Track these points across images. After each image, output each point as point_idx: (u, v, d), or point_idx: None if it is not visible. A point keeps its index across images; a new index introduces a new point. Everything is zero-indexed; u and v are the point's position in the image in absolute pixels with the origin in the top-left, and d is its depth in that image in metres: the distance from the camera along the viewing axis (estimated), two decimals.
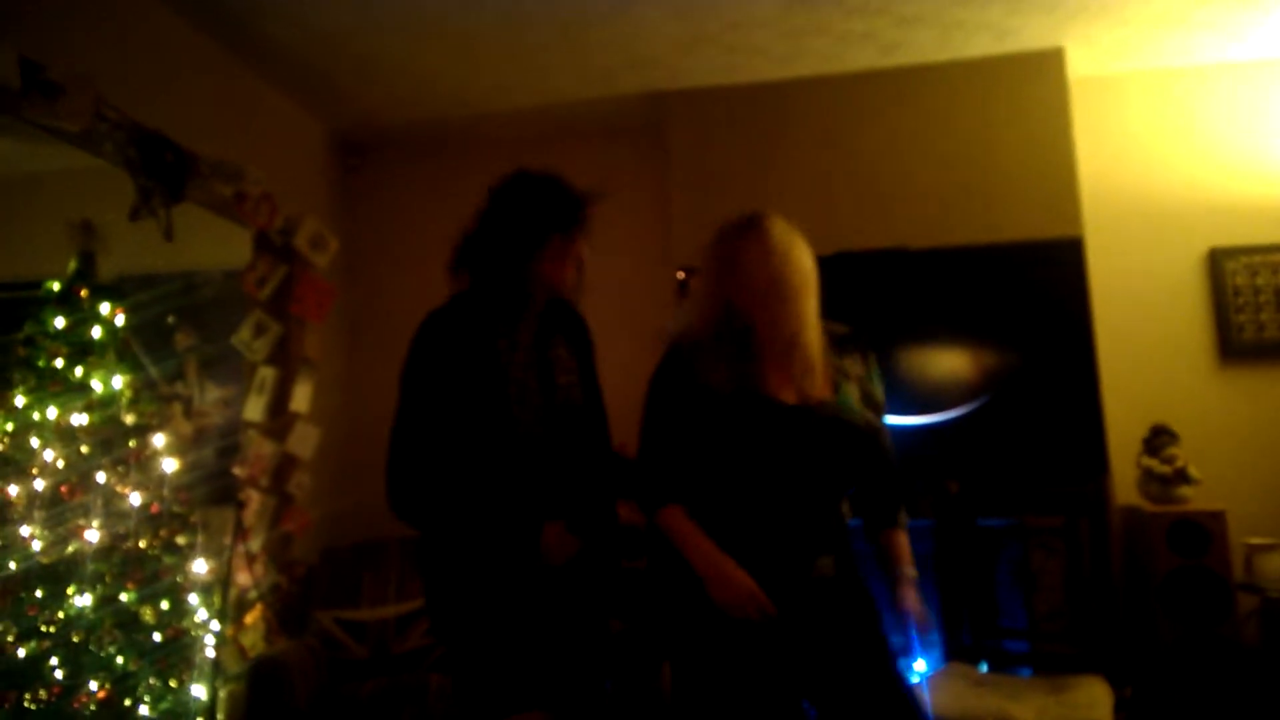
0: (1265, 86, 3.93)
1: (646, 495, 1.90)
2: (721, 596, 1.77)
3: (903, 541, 2.00)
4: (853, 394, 1.93)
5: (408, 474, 1.88)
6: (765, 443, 1.83)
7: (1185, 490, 3.46)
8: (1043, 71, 3.82)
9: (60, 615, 2.65)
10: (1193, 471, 3.46)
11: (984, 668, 3.15)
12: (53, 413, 2.79)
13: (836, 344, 1.98)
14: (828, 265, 1.97)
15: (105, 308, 2.97)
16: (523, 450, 1.89)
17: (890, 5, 3.47)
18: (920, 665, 3.48)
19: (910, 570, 1.97)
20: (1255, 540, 3.44)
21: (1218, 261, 3.85)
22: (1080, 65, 3.89)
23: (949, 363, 3.70)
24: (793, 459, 1.84)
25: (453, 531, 1.90)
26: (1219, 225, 3.87)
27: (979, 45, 3.80)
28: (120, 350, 3.00)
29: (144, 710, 2.71)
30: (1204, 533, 3.32)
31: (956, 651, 3.26)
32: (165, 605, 2.91)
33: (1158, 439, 3.54)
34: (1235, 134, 3.93)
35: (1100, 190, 3.90)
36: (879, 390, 2.02)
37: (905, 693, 1.86)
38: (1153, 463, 3.52)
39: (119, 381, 2.95)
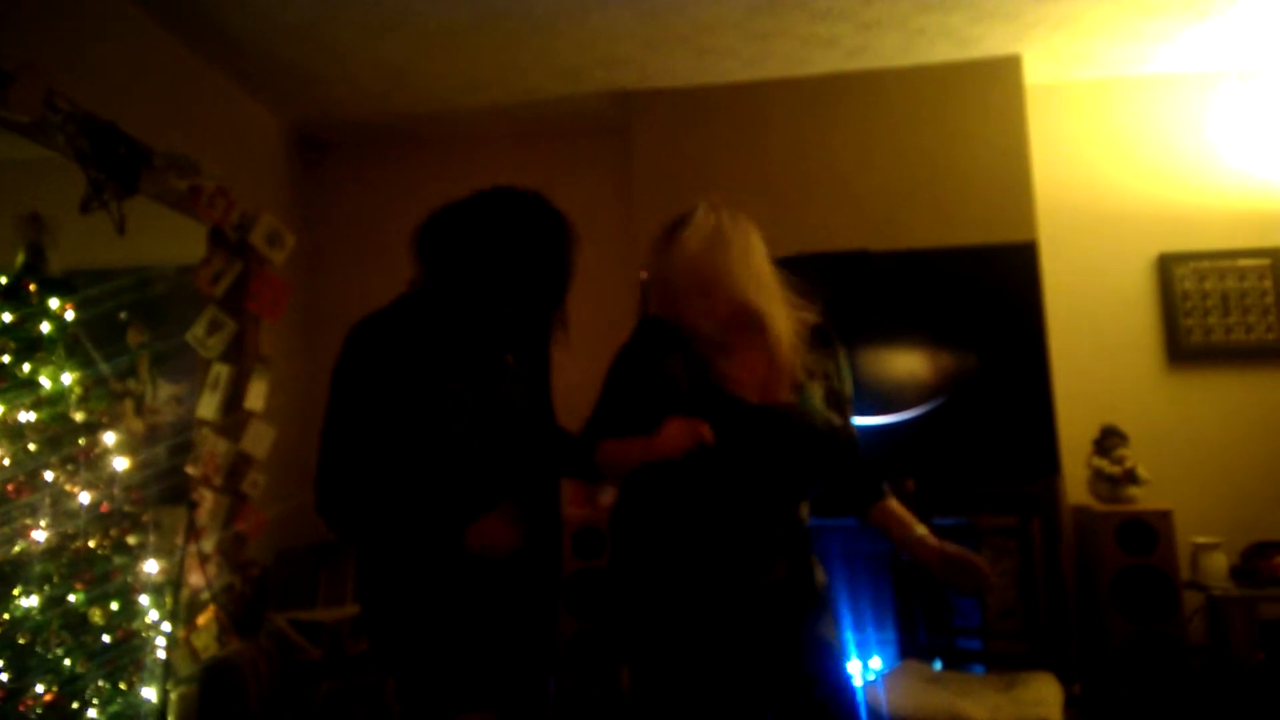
0: (1214, 97, 4.03)
1: (584, 454, 1.89)
2: (669, 449, 1.74)
3: (897, 507, 1.95)
4: (816, 393, 1.91)
5: (336, 482, 1.82)
6: (719, 442, 1.81)
7: (1134, 490, 3.53)
8: (1000, 78, 3.90)
9: (5, 617, 2.58)
10: (1141, 472, 3.53)
11: (938, 665, 3.20)
12: None
13: (804, 337, 1.92)
14: (789, 266, 1.97)
15: (54, 302, 2.90)
16: (459, 462, 1.84)
17: (854, 11, 3.51)
18: (875, 663, 3.54)
19: (920, 529, 1.90)
20: (1201, 539, 3.53)
21: (1167, 267, 3.95)
22: (1036, 73, 3.96)
23: (907, 363, 3.74)
24: (746, 459, 1.82)
25: (381, 537, 1.85)
26: (1168, 232, 3.97)
27: (941, 51, 3.85)
28: (69, 346, 2.93)
29: (92, 714, 2.66)
30: (1151, 532, 3.40)
31: (911, 649, 3.31)
32: (115, 606, 2.85)
33: (1108, 440, 3.62)
34: (1184, 143, 4.03)
35: (1054, 196, 3.98)
36: (848, 387, 2.00)
37: (852, 699, 1.86)
38: (1103, 463, 3.59)
39: (68, 378, 2.88)
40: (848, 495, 2.00)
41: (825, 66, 3.97)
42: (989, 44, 3.79)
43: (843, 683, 1.87)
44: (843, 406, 1.98)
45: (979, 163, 3.86)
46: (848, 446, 1.97)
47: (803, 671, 1.84)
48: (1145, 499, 3.53)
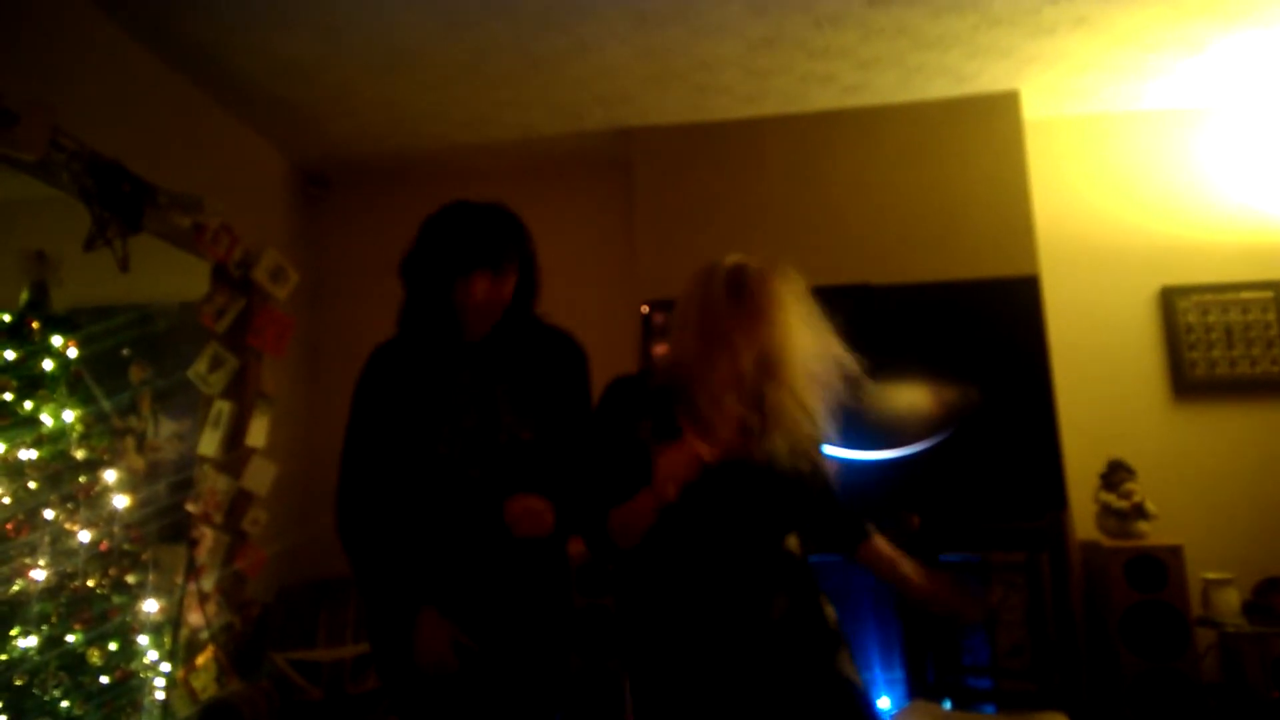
0: (1212, 131, 4.05)
1: (595, 533, 1.88)
2: (673, 479, 1.70)
3: (883, 546, 1.93)
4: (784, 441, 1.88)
5: (345, 510, 1.89)
6: (686, 494, 1.78)
7: (1142, 525, 3.49)
8: (998, 113, 3.92)
9: (3, 658, 2.56)
10: (1150, 506, 3.49)
11: (948, 705, 3.15)
12: None
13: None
14: None
15: (57, 340, 2.91)
16: (453, 490, 1.86)
17: (851, 48, 3.55)
18: (884, 703, 3.49)
19: (907, 564, 1.88)
20: (1211, 575, 3.48)
21: (1169, 300, 3.94)
22: (1035, 108, 4.00)
23: (910, 398, 3.72)
24: (714, 509, 1.81)
25: (361, 578, 1.91)
26: (1170, 265, 3.97)
27: (938, 88, 3.89)
28: (71, 383, 2.94)
29: None
30: (1161, 567, 3.36)
31: (920, 689, 3.25)
32: (113, 646, 2.83)
33: (1115, 474, 3.58)
34: (1183, 177, 4.04)
35: (1055, 229, 3.99)
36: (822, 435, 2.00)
37: None
38: (1110, 498, 3.55)
39: (69, 415, 2.88)
40: (830, 538, 1.99)
41: (823, 103, 4.01)
42: (986, 80, 3.83)
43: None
44: (813, 452, 1.96)
45: (979, 197, 3.87)
46: (821, 494, 1.96)
47: (824, 710, 1.81)
48: (1154, 534, 3.49)
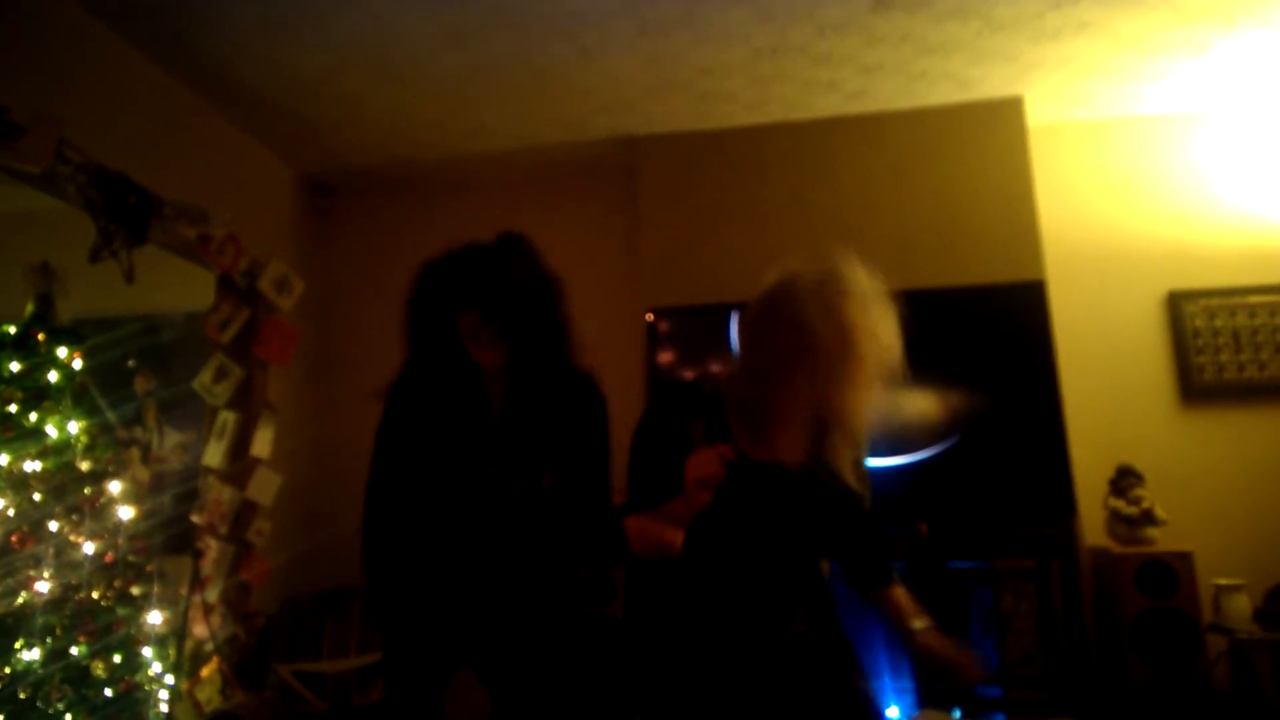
0: (1219, 136, 4.04)
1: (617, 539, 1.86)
2: (702, 488, 1.67)
3: (901, 596, 1.90)
4: (844, 459, 1.90)
5: (371, 550, 1.83)
6: (732, 502, 1.77)
7: (1152, 531, 3.47)
8: (1003, 119, 3.92)
9: (7, 670, 2.55)
10: (1159, 512, 3.47)
11: (957, 714, 3.13)
12: (3, 459, 2.71)
13: None
14: None
15: (62, 351, 2.90)
16: (476, 544, 1.83)
17: (854, 55, 3.55)
18: (893, 712, 3.46)
19: (919, 622, 1.85)
20: (1222, 581, 3.45)
21: (1177, 304, 3.92)
22: (1039, 114, 3.99)
23: (917, 404, 3.71)
24: (762, 519, 1.80)
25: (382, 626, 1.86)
26: (1177, 269, 3.95)
27: (942, 94, 3.89)
28: (76, 394, 2.93)
29: None
30: (1172, 574, 3.33)
31: (929, 698, 3.23)
32: (118, 659, 2.82)
33: (1124, 480, 3.56)
34: (1189, 181, 4.03)
35: (1061, 234, 3.98)
36: (864, 455, 2.00)
37: None
38: (1119, 504, 3.53)
39: (74, 427, 2.88)
40: (858, 570, 1.96)
41: (827, 110, 4.01)
42: (989, 86, 3.83)
43: None
44: (863, 475, 1.96)
45: (984, 203, 3.87)
46: (862, 523, 1.95)
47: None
48: (1164, 540, 3.47)
